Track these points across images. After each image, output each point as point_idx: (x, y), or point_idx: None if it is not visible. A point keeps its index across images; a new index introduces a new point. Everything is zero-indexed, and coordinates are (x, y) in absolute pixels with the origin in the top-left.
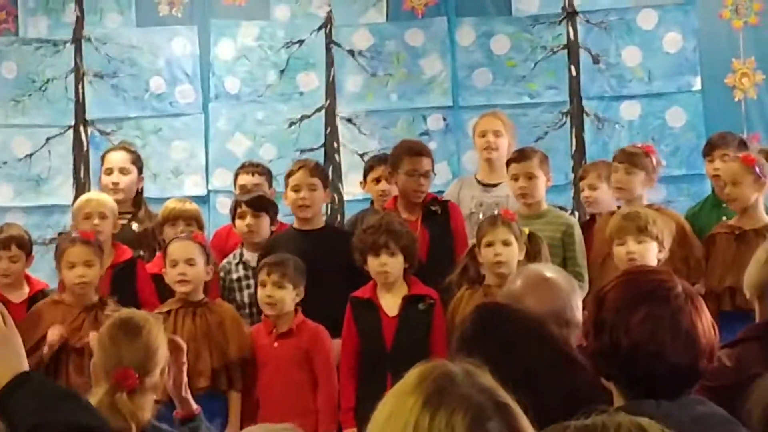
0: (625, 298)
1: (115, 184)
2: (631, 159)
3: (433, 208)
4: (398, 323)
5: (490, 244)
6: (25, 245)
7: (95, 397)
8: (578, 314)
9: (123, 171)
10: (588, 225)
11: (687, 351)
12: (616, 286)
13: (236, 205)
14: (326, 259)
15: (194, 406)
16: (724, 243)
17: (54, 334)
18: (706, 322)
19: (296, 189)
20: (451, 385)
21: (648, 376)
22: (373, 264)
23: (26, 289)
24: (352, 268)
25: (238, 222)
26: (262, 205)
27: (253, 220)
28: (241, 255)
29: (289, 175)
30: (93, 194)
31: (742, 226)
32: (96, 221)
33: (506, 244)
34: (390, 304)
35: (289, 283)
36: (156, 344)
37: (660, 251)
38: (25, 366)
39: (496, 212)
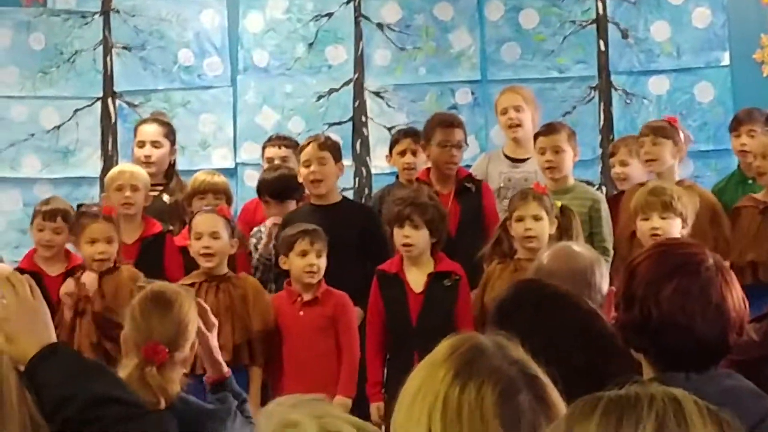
0: (656, 271)
1: (147, 157)
2: (657, 130)
3: (467, 185)
4: (424, 300)
5: (520, 219)
6: (69, 219)
7: (125, 369)
8: (601, 282)
9: (155, 144)
10: (616, 199)
11: (716, 324)
12: (647, 258)
13: (259, 190)
14: (342, 233)
15: (225, 369)
16: (749, 217)
17: (68, 286)
18: (736, 295)
19: (307, 164)
20: (482, 357)
21: (678, 349)
22: (397, 235)
23: (64, 264)
24: (367, 242)
25: (264, 206)
26: (285, 193)
27: (277, 209)
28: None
29: (300, 150)
30: (126, 166)
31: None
32: (128, 193)
33: (537, 219)
34: (416, 279)
35: (324, 251)
36: (187, 319)
37: (683, 227)
38: (53, 338)
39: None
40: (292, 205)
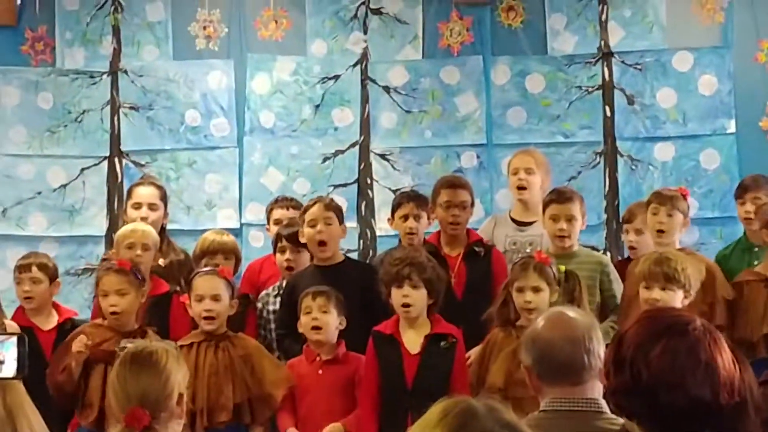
0: (644, 334)
1: (144, 219)
2: (673, 202)
3: (477, 249)
4: (420, 361)
5: (520, 290)
6: (46, 268)
7: None
8: (598, 347)
9: (152, 207)
10: (622, 265)
11: (707, 383)
12: (636, 324)
13: (277, 238)
14: (346, 293)
15: None
16: (755, 291)
17: (78, 344)
18: (725, 357)
19: (312, 224)
20: (474, 420)
21: (670, 410)
22: (395, 296)
23: (55, 317)
24: (371, 301)
25: (278, 256)
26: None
27: (292, 255)
28: (280, 288)
29: (304, 211)
30: (139, 225)
31: None
32: (138, 252)
33: (537, 290)
34: (412, 341)
35: (333, 309)
36: (166, 374)
37: (686, 297)
38: None
39: (528, 250)
40: (305, 255)
